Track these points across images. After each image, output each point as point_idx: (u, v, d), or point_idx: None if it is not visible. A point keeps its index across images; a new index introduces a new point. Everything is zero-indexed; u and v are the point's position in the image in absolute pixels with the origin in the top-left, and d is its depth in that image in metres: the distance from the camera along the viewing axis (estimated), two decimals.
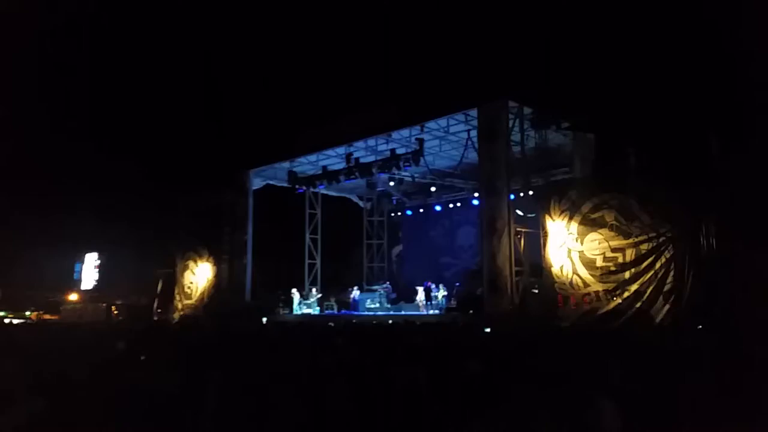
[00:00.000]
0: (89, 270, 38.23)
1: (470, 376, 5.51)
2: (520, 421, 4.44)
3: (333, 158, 24.85)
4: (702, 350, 7.47)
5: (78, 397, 5.23)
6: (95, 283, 37.04)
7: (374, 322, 18.36)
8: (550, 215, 17.12)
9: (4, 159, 29.81)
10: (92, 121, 34.63)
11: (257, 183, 27.06)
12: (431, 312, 22.23)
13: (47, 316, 33.06)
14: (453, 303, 21.94)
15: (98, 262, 36.89)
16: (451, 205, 27.91)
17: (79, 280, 38.44)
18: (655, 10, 17.20)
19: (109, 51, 32.52)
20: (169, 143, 32.48)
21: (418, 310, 22.86)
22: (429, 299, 23.21)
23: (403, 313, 22.50)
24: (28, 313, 33.52)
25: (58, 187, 34.63)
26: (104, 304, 31.58)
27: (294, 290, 26.06)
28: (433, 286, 23.60)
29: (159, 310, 28.87)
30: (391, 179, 24.35)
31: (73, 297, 37.05)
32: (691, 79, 15.82)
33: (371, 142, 23.14)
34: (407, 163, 21.82)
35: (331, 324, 15.56)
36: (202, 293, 27.34)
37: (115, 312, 31.27)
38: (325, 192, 28.88)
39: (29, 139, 32.51)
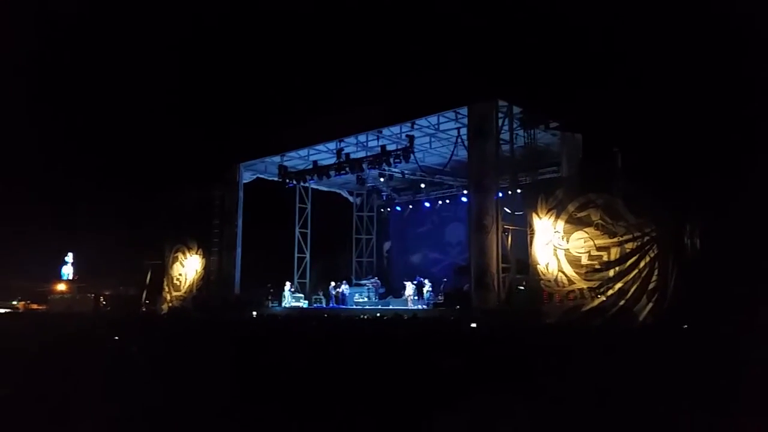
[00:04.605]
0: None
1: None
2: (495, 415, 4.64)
3: (323, 153, 24.98)
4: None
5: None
6: (74, 276, 36.71)
7: (363, 316, 18.56)
8: (537, 213, 17.36)
9: None
10: (83, 112, 34.43)
11: (247, 177, 27.16)
12: (418, 307, 22.44)
13: (34, 306, 32.97)
14: (440, 298, 22.16)
15: (72, 260, 36.32)
16: (440, 202, 28.10)
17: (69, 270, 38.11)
18: (642, 14, 17.46)
19: (99, 46, 32.34)
20: (159, 136, 32.38)
21: (406, 305, 23.07)
22: (421, 294, 23.39)
23: (391, 307, 22.73)
24: (15, 302, 33.38)
25: (49, 177, 34.46)
26: (92, 295, 31.50)
27: (288, 283, 26.21)
28: (427, 281, 23.77)
29: (147, 302, 28.90)
30: (381, 175, 24.49)
31: (61, 287, 36.88)
32: (677, 82, 16.11)
33: (362, 137, 23.30)
34: (397, 160, 21.99)
35: (326, 315, 15.77)
36: (191, 285, 27.44)
37: (103, 303, 31.21)
38: (315, 187, 29.01)
39: (16, 129, 32.28)
